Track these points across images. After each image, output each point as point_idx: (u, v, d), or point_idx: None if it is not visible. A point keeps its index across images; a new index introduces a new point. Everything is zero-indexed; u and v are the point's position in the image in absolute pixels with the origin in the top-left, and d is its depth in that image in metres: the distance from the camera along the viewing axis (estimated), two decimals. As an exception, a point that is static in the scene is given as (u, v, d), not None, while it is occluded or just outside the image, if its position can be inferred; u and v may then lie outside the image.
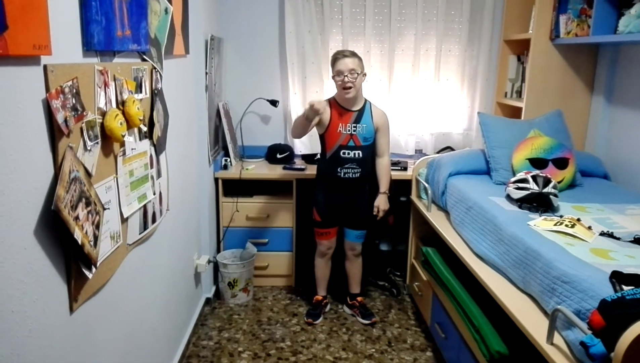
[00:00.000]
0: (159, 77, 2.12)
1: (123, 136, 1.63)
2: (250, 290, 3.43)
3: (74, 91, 1.38)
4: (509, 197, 2.49)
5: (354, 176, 2.94)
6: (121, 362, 1.85)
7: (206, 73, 3.00)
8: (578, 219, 2.10)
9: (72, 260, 1.43)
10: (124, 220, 1.78)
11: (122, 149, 1.73)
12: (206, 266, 3.10)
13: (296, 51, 3.65)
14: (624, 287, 1.53)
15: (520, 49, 3.65)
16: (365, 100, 2.96)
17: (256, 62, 3.77)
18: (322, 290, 3.29)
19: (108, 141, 1.61)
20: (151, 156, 2.04)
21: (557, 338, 1.64)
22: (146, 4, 1.92)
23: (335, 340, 2.98)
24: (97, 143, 1.54)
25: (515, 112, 3.57)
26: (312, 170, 3.41)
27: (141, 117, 1.77)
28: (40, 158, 1.27)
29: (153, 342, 2.23)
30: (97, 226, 1.52)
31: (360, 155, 2.92)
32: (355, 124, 2.88)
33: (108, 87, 1.60)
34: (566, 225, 2.05)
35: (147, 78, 1.97)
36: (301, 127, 2.88)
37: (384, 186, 3.05)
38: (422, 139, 3.89)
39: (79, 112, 1.41)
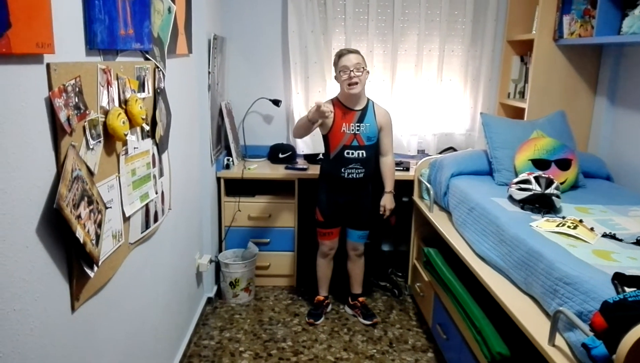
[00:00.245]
0: (161, 77, 2.13)
1: (125, 135, 1.63)
2: (252, 290, 3.43)
3: (77, 89, 1.38)
4: (511, 198, 2.48)
5: (357, 176, 2.94)
6: (122, 361, 1.85)
7: (209, 72, 3.01)
8: (580, 221, 2.10)
9: (74, 259, 1.43)
10: (126, 219, 1.78)
11: (124, 148, 1.74)
12: (208, 266, 3.10)
13: (299, 50, 3.65)
14: (626, 289, 1.52)
15: (524, 49, 3.64)
16: (368, 99, 2.96)
17: (259, 62, 3.77)
18: (324, 290, 3.29)
19: (110, 139, 1.61)
20: (153, 155, 2.04)
21: (559, 340, 1.64)
22: (149, 3, 1.92)
23: (336, 341, 2.97)
24: (100, 141, 1.54)
25: (518, 113, 3.57)
26: (314, 170, 3.41)
27: (144, 117, 1.77)
28: (42, 156, 1.27)
29: (154, 341, 2.23)
30: (99, 225, 1.52)
31: (364, 155, 2.91)
32: (358, 124, 2.88)
33: (111, 86, 1.60)
34: (568, 226, 2.05)
35: (150, 77, 1.98)
36: (303, 129, 2.87)
37: (389, 185, 3.05)
38: (424, 139, 3.89)
39: (82, 111, 1.41)
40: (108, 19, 1.56)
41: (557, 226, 2.08)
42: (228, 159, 3.50)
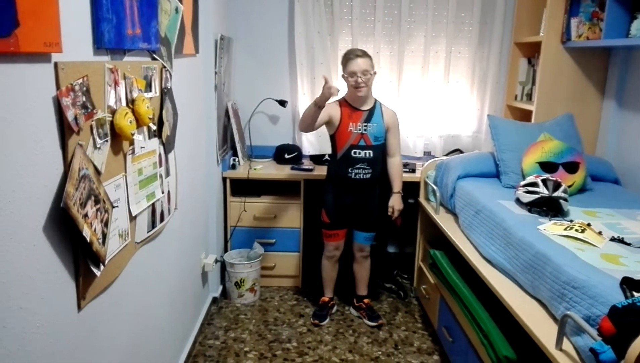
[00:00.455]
0: (168, 76, 2.13)
1: (132, 135, 1.64)
2: (257, 290, 3.43)
3: (84, 88, 1.38)
4: (518, 201, 2.47)
5: (364, 176, 2.92)
6: (128, 360, 1.85)
7: (215, 73, 3.01)
8: (588, 224, 2.08)
9: (81, 258, 1.43)
10: (132, 218, 1.78)
11: (131, 147, 1.74)
12: (213, 266, 3.11)
13: (305, 51, 3.65)
14: (635, 293, 1.51)
15: (531, 51, 3.62)
16: (375, 100, 2.95)
17: (265, 63, 3.78)
18: (329, 291, 3.28)
19: (117, 139, 1.61)
20: (160, 154, 2.05)
21: (566, 344, 1.63)
22: (157, 3, 1.92)
23: (341, 342, 2.97)
24: (107, 141, 1.54)
25: (525, 116, 3.55)
26: (320, 171, 3.41)
27: (151, 116, 1.77)
28: (50, 155, 1.27)
29: (160, 341, 2.23)
30: (106, 224, 1.52)
31: (371, 155, 2.90)
32: (365, 124, 2.87)
33: (118, 86, 1.60)
34: (576, 230, 2.04)
35: (157, 77, 1.98)
36: (310, 118, 2.74)
37: (397, 185, 3.04)
38: (430, 141, 3.88)
39: (89, 110, 1.41)
40: (116, 18, 1.56)
41: (565, 229, 2.06)
42: (234, 160, 3.50)
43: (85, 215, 1.38)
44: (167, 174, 2.17)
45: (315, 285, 3.47)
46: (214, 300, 3.32)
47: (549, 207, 2.34)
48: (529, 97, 3.66)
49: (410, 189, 3.48)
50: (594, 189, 2.78)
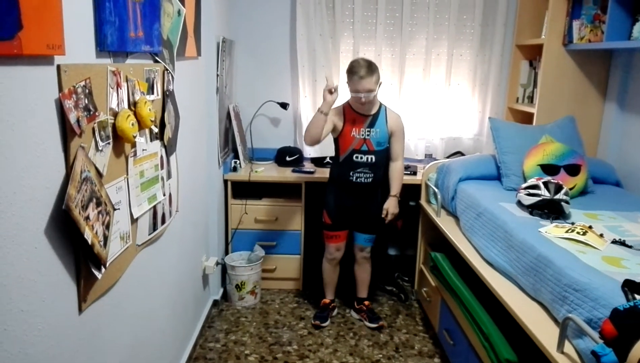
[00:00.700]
0: (170, 79, 2.13)
1: (134, 137, 1.64)
2: (258, 293, 3.43)
3: (87, 91, 1.39)
4: (519, 203, 2.47)
5: (366, 180, 2.93)
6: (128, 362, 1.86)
7: (217, 75, 3.01)
8: (590, 227, 2.08)
9: (82, 260, 1.43)
10: (133, 221, 1.78)
11: (133, 150, 1.74)
12: (214, 268, 3.10)
13: (307, 54, 3.65)
14: (637, 296, 1.51)
15: (533, 54, 3.62)
16: (381, 104, 2.95)
17: (267, 65, 3.78)
18: (330, 294, 3.28)
19: (119, 141, 1.62)
20: (162, 157, 2.05)
21: (568, 347, 1.62)
22: (159, 6, 1.93)
23: (342, 345, 2.96)
24: (109, 143, 1.54)
25: (526, 118, 3.55)
26: (321, 173, 3.41)
27: (152, 119, 1.77)
28: (52, 157, 1.27)
29: (160, 343, 2.23)
30: (107, 227, 1.52)
31: (373, 160, 2.90)
32: (369, 129, 2.87)
33: (120, 88, 1.61)
34: (578, 232, 2.03)
35: (159, 79, 1.98)
36: (316, 127, 2.77)
37: (395, 189, 3.04)
38: (432, 143, 3.88)
39: (91, 113, 1.41)
40: (118, 21, 1.57)
41: (566, 232, 2.06)
42: (235, 162, 3.50)
43: (87, 217, 1.38)
44: (169, 176, 2.17)
45: (316, 287, 3.47)
46: (215, 303, 3.32)
47: (551, 210, 2.34)
48: (531, 99, 3.66)
49: (412, 192, 3.48)
50: (595, 191, 2.78)
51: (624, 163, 3.09)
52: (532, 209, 2.37)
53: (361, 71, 2.73)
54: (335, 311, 3.31)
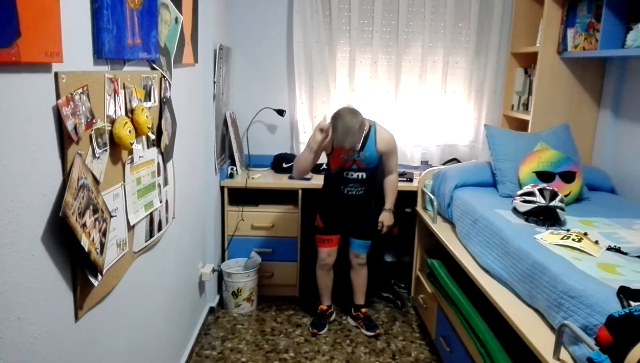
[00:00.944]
0: (167, 86, 2.14)
1: (131, 144, 1.64)
2: (254, 300, 3.42)
3: (84, 98, 1.39)
4: (515, 210, 2.48)
5: (357, 193, 2.96)
6: (124, 370, 1.85)
7: (214, 82, 3.02)
8: (585, 234, 2.09)
9: (79, 267, 1.43)
10: (130, 228, 1.78)
11: (130, 157, 1.74)
12: (210, 275, 3.10)
13: (304, 61, 3.67)
14: (632, 303, 1.52)
15: (528, 62, 3.65)
16: (370, 125, 2.89)
17: (264, 72, 3.79)
18: (326, 299, 3.27)
19: (116, 148, 1.62)
20: (158, 164, 2.05)
21: (564, 354, 1.63)
22: (157, 13, 1.93)
23: (339, 352, 2.96)
24: (106, 150, 1.54)
25: (522, 125, 3.57)
26: (317, 180, 3.41)
27: (150, 126, 1.78)
28: (49, 164, 1.28)
29: (157, 351, 2.22)
30: (104, 234, 1.52)
31: (364, 176, 2.92)
32: (358, 152, 2.86)
33: (118, 95, 1.61)
34: (573, 239, 2.04)
35: (156, 87, 1.99)
36: (303, 163, 2.85)
37: (389, 203, 3.05)
38: (428, 150, 3.89)
39: (89, 120, 1.42)
40: (116, 28, 1.57)
41: (562, 238, 2.07)
42: (232, 169, 3.50)
43: (84, 225, 1.38)
44: (166, 183, 2.17)
45: (313, 294, 3.47)
46: (211, 310, 3.31)
47: (546, 216, 2.35)
48: (526, 107, 3.68)
49: (408, 199, 3.49)
50: (590, 198, 2.79)
51: (619, 170, 3.11)
52: (528, 216, 2.38)
53: (342, 138, 2.69)
54: (333, 316, 3.31)
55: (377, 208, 3.09)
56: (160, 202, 2.09)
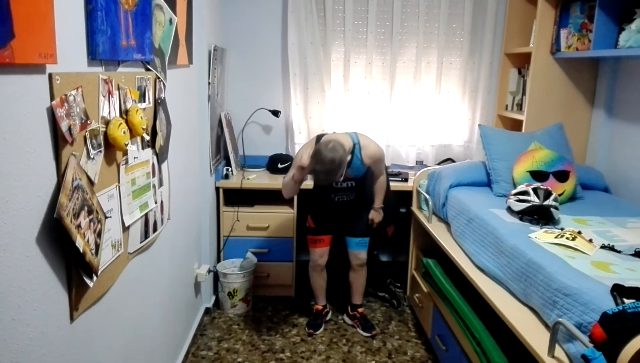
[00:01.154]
0: (162, 87, 2.14)
1: (126, 145, 1.64)
2: (250, 300, 3.42)
3: (79, 99, 1.39)
4: (509, 209, 2.49)
5: (348, 199, 2.98)
6: (120, 372, 1.84)
7: (209, 83, 3.02)
8: (579, 232, 2.10)
9: (74, 268, 1.43)
10: (125, 229, 1.78)
11: (124, 158, 1.74)
12: (206, 276, 3.10)
13: (298, 61, 3.67)
14: (625, 300, 1.53)
15: (521, 62, 3.67)
16: (354, 143, 2.76)
17: (258, 73, 3.80)
18: (322, 299, 3.27)
19: (111, 149, 1.62)
20: (153, 165, 2.05)
21: (559, 351, 1.64)
22: (151, 15, 1.93)
23: (335, 352, 2.96)
24: (100, 151, 1.54)
25: (516, 125, 3.58)
26: (312, 181, 3.41)
27: (144, 127, 1.78)
28: (43, 165, 1.27)
29: (152, 351, 2.22)
30: (99, 235, 1.52)
31: (354, 184, 2.94)
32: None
33: (112, 96, 1.61)
34: (567, 238, 2.06)
35: (151, 88, 1.99)
36: (288, 190, 2.85)
37: (377, 202, 3.03)
38: (422, 150, 3.90)
39: (83, 121, 1.42)
40: (110, 30, 1.57)
41: (556, 237, 2.08)
42: (227, 169, 3.50)
43: (79, 226, 1.38)
44: (161, 184, 2.17)
45: (309, 294, 3.47)
46: (207, 311, 3.31)
47: (540, 215, 2.36)
48: (520, 107, 3.70)
49: (403, 198, 3.50)
50: (584, 197, 2.81)
51: (612, 169, 3.13)
52: (522, 215, 2.40)
53: (324, 182, 2.65)
54: (329, 316, 3.31)
55: (371, 206, 3.07)
56: (156, 203, 2.09)
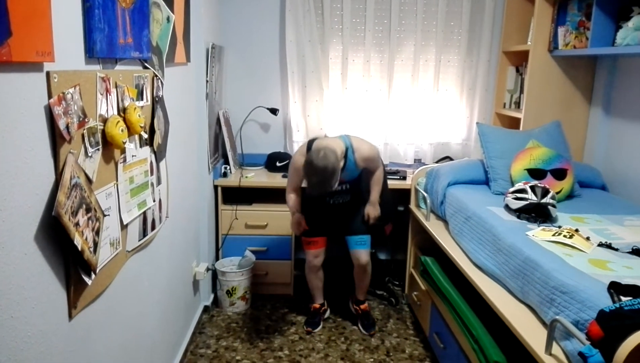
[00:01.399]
0: (160, 85, 2.14)
1: (124, 143, 1.64)
2: (249, 298, 3.42)
3: (76, 97, 1.39)
4: (507, 207, 2.49)
5: (344, 201, 2.99)
6: (119, 370, 1.85)
7: (207, 81, 3.02)
8: (576, 230, 2.11)
9: (72, 266, 1.43)
10: (123, 227, 1.78)
11: (122, 156, 1.74)
12: (205, 274, 3.10)
13: (296, 60, 3.67)
14: (622, 298, 1.53)
15: (519, 60, 3.67)
16: (347, 146, 2.74)
17: (256, 71, 3.79)
18: (319, 298, 3.26)
19: (109, 147, 1.62)
20: (151, 163, 2.05)
21: (556, 349, 1.64)
22: (148, 13, 1.93)
23: (333, 350, 2.97)
24: (98, 149, 1.54)
25: (513, 123, 3.59)
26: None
27: (142, 125, 1.78)
28: (41, 163, 1.27)
29: (151, 350, 2.22)
30: (97, 233, 1.52)
31: (349, 186, 2.94)
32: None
33: (110, 94, 1.61)
34: (564, 236, 2.06)
35: (149, 85, 1.99)
36: (293, 201, 2.95)
37: (374, 195, 2.98)
38: (421, 148, 3.91)
39: (81, 119, 1.41)
40: (107, 28, 1.57)
41: (553, 235, 2.09)
42: (225, 168, 3.50)
43: (77, 224, 1.38)
44: (159, 182, 2.17)
45: (307, 292, 3.46)
46: (206, 309, 3.31)
47: (538, 213, 2.37)
48: (517, 105, 3.70)
49: (401, 197, 3.50)
50: (581, 195, 2.82)
51: (610, 167, 3.14)
52: (520, 213, 2.40)
53: (317, 192, 2.62)
54: (327, 313, 3.31)
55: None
56: (154, 201, 2.09)
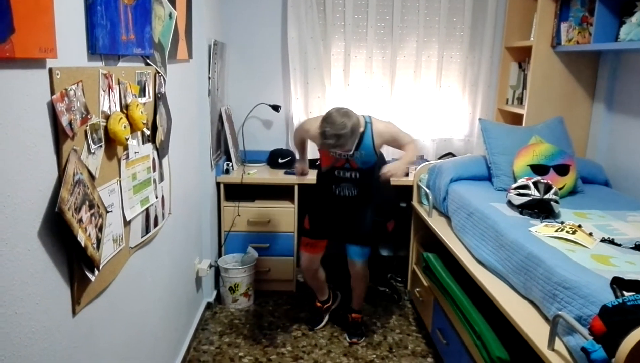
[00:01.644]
0: (162, 82, 2.14)
1: (126, 140, 1.64)
2: (251, 295, 3.43)
3: (79, 94, 1.39)
4: (510, 203, 2.49)
5: (350, 194, 2.79)
6: (122, 365, 1.85)
7: (209, 78, 3.02)
8: (579, 226, 2.11)
9: (75, 263, 1.43)
10: (126, 223, 1.78)
11: (125, 152, 1.74)
12: (207, 271, 3.10)
13: (299, 56, 3.67)
14: (625, 293, 1.53)
15: (522, 56, 3.66)
16: (366, 122, 2.67)
17: (259, 68, 3.79)
18: (321, 295, 3.22)
19: (112, 144, 1.62)
20: (154, 159, 2.05)
21: (558, 344, 1.64)
22: (151, 9, 1.93)
23: (336, 346, 2.97)
24: (101, 146, 1.54)
25: (516, 119, 3.58)
26: (313, 175, 3.40)
27: (144, 121, 1.78)
28: (44, 160, 1.28)
29: (154, 346, 2.23)
30: (100, 229, 1.53)
31: (358, 176, 2.75)
32: (353, 150, 2.66)
33: (112, 91, 1.61)
34: (567, 231, 2.06)
35: (151, 82, 1.99)
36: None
37: (404, 158, 2.70)
38: (423, 145, 3.90)
39: (84, 116, 1.42)
40: (110, 24, 1.57)
41: (556, 231, 2.09)
42: (228, 164, 3.50)
43: (80, 220, 1.38)
44: (161, 179, 2.17)
45: (310, 289, 3.47)
46: (208, 305, 3.32)
47: (540, 209, 2.36)
48: (520, 101, 3.70)
49: (403, 193, 3.50)
50: (584, 191, 2.81)
51: (613, 162, 3.13)
52: (522, 209, 2.40)
53: (335, 148, 2.51)
54: (336, 304, 3.26)
55: (374, 218, 2.91)
56: (156, 198, 2.09)
